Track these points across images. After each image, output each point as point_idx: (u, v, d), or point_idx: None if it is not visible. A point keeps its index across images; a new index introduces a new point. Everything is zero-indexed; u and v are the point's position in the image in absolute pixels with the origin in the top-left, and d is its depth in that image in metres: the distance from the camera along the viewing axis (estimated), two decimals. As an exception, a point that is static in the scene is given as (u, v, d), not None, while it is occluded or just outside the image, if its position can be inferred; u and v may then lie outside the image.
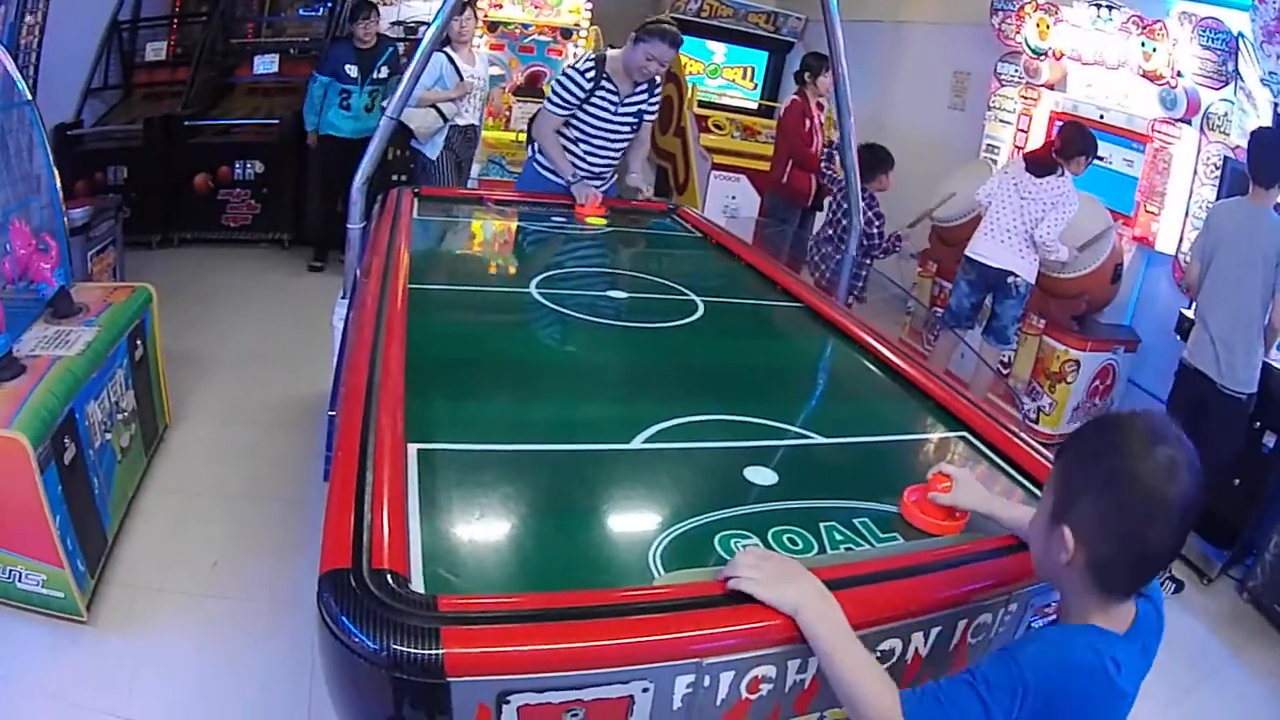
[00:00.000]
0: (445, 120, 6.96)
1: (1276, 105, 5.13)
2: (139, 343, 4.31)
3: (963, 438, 2.90)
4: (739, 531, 2.13)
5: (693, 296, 3.84)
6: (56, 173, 4.34)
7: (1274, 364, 4.84)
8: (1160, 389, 5.48)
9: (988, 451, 2.79)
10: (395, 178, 6.82)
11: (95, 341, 3.77)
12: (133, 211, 6.68)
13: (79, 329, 3.83)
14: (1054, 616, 1.86)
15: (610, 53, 5.26)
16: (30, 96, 4.26)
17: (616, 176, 5.54)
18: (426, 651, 1.55)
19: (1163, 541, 1.56)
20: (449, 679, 1.56)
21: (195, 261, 7.33)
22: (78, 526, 3.46)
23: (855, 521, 2.27)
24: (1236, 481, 5.08)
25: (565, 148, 5.25)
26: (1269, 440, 5.03)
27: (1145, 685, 4.18)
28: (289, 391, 5.34)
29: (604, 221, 4.94)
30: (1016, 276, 5.91)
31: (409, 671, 1.56)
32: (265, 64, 8.30)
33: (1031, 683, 1.50)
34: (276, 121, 7.73)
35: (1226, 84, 5.59)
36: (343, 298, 4.10)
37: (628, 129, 5.32)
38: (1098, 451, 1.57)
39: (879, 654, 1.84)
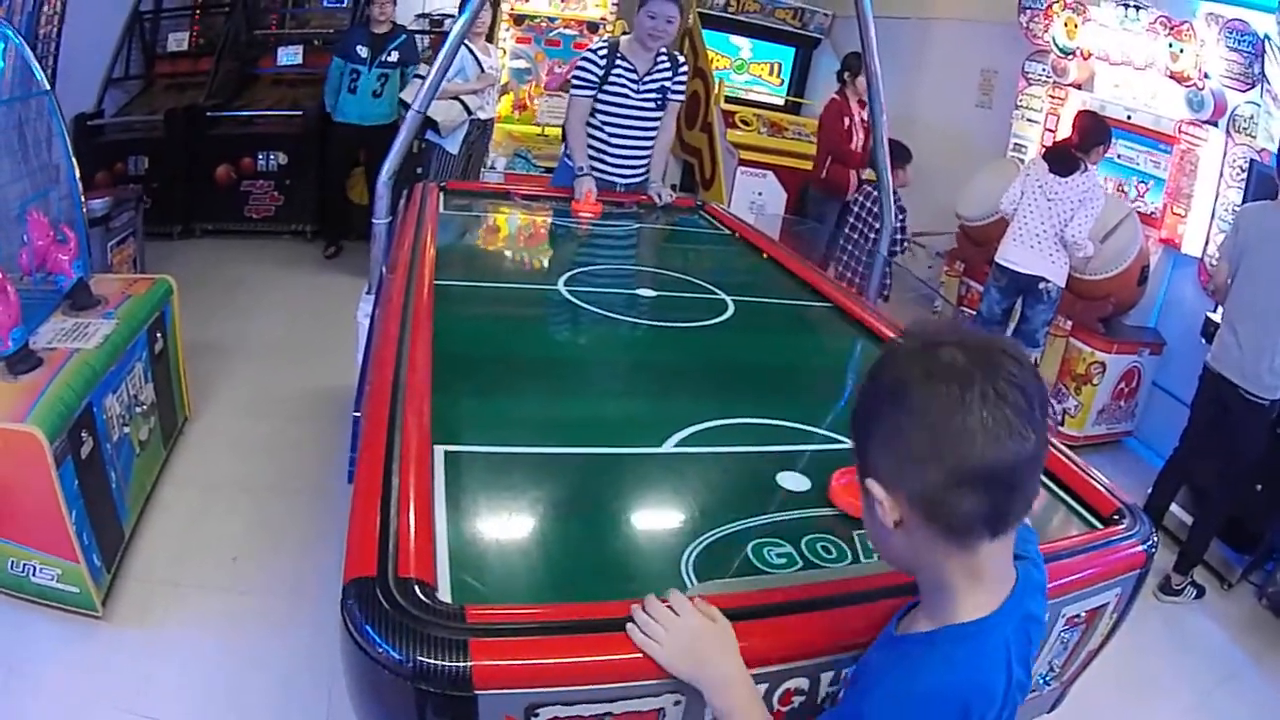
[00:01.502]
0: (469, 113, 6.94)
1: (1302, 108, 5.08)
2: (159, 335, 4.28)
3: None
4: (772, 540, 2.09)
5: (723, 295, 3.80)
6: (75, 163, 4.31)
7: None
8: (1185, 392, 5.43)
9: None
10: (417, 170, 6.78)
11: (114, 334, 3.73)
12: (154, 202, 6.69)
13: (98, 321, 3.80)
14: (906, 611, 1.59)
15: (624, 37, 5.27)
16: (49, 86, 4.24)
17: (648, 173, 5.47)
18: (454, 664, 1.52)
19: (989, 438, 1.25)
20: (477, 692, 1.53)
21: (217, 253, 7.32)
22: (94, 521, 3.43)
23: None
24: (1259, 487, 5.04)
25: (594, 138, 5.22)
26: (1291, 446, 4.98)
27: (1167, 687, 4.15)
28: (309, 384, 5.32)
29: (599, 219, 4.90)
30: (1048, 282, 5.88)
31: (435, 684, 1.52)
32: (289, 55, 8.29)
33: None
34: (300, 113, 7.70)
35: (1253, 86, 5.54)
36: (368, 293, 4.07)
37: (652, 108, 5.27)
38: (874, 382, 1.38)
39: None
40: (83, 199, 4.47)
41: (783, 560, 2.03)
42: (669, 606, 1.61)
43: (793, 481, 2.39)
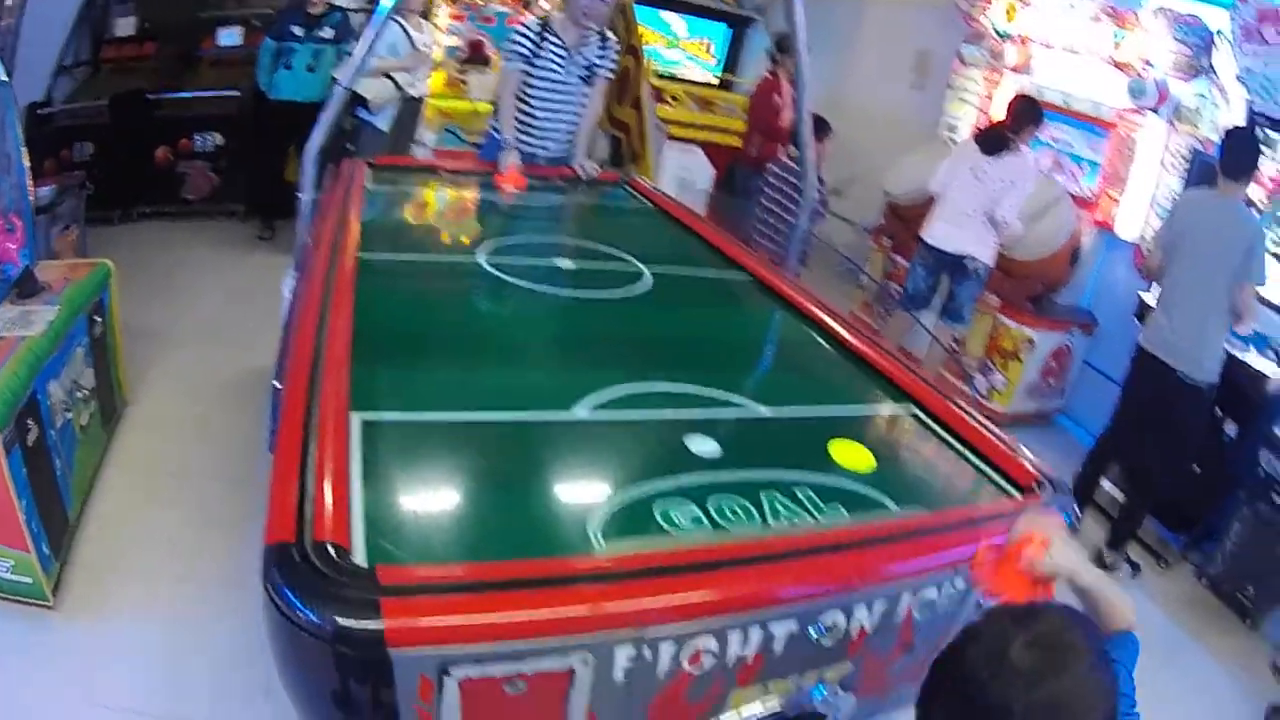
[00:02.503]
0: (400, 90, 6.95)
1: (1250, 102, 5.16)
2: (98, 319, 4.25)
3: (911, 413, 2.93)
4: (681, 501, 2.14)
5: (641, 267, 3.85)
6: (25, 152, 4.29)
7: (1235, 354, 4.88)
8: (1116, 371, 5.50)
9: (935, 427, 2.82)
10: (347, 147, 6.77)
11: (56, 320, 3.70)
12: (97, 187, 6.61)
13: (41, 308, 3.77)
14: None
15: (557, 14, 5.29)
16: (6, 78, 4.21)
17: (573, 146, 5.51)
18: (367, 624, 1.56)
19: None
20: (390, 651, 1.57)
21: (155, 236, 7.23)
22: (42, 510, 3.40)
23: (797, 492, 2.28)
24: (1196, 469, 5.13)
25: (522, 111, 5.22)
26: (1230, 429, 5.08)
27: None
28: (245, 365, 5.29)
29: (524, 192, 4.90)
30: (976, 260, 5.90)
31: (351, 645, 1.57)
32: (229, 36, 8.19)
33: None
34: (236, 93, 7.66)
35: (1198, 76, 5.60)
36: (293, 268, 4.08)
37: (580, 84, 5.30)
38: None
39: (823, 626, 1.87)
40: (30, 187, 4.44)
41: (689, 522, 2.07)
42: None
43: (701, 446, 2.44)
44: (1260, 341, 5.02)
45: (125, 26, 7.92)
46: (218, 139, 7.68)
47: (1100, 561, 5.00)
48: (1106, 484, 5.42)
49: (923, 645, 2.22)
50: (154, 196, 7.62)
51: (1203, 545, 5.19)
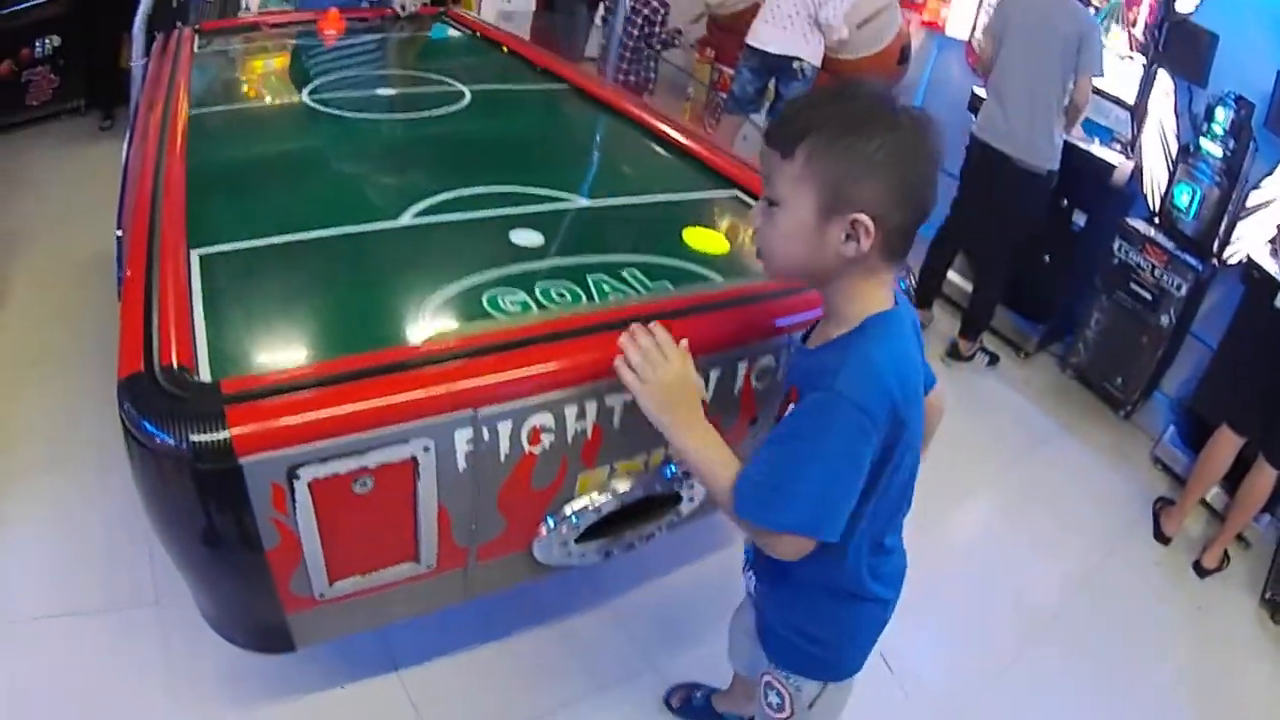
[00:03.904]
0: None
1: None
2: (-43, 236, 4.20)
3: (735, 197, 3.02)
4: (507, 289, 2.21)
5: (461, 87, 3.86)
6: None
7: (1075, 143, 4.99)
8: (952, 166, 5.59)
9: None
10: (177, 24, 6.65)
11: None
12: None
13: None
14: (808, 333, 1.81)
15: None
16: None
17: None
18: (215, 436, 1.62)
19: (934, 189, 1.58)
20: (239, 459, 1.64)
21: (3, 147, 7.11)
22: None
23: (623, 273, 2.36)
24: (1046, 258, 5.32)
25: None
26: (1079, 219, 5.24)
27: (978, 451, 4.30)
28: (96, 248, 5.16)
29: (344, 35, 4.91)
30: (802, 61, 5.91)
31: (203, 458, 1.63)
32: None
33: (859, 400, 1.50)
34: (69, -8, 7.50)
35: None
36: (129, 134, 4.05)
37: None
38: (847, 133, 1.51)
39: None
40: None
41: (517, 307, 2.14)
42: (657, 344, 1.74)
43: (524, 238, 2.51)
44: (1105, 133, 5.15)
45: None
46: (55, 41, 7.49)
47: (956, 352, 5.19)
48: (954, 276, 5.59)
49: (766, 419, 2.33)
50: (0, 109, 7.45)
51: (1063, 336, 5.39)
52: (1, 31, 7.23)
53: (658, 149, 3.40)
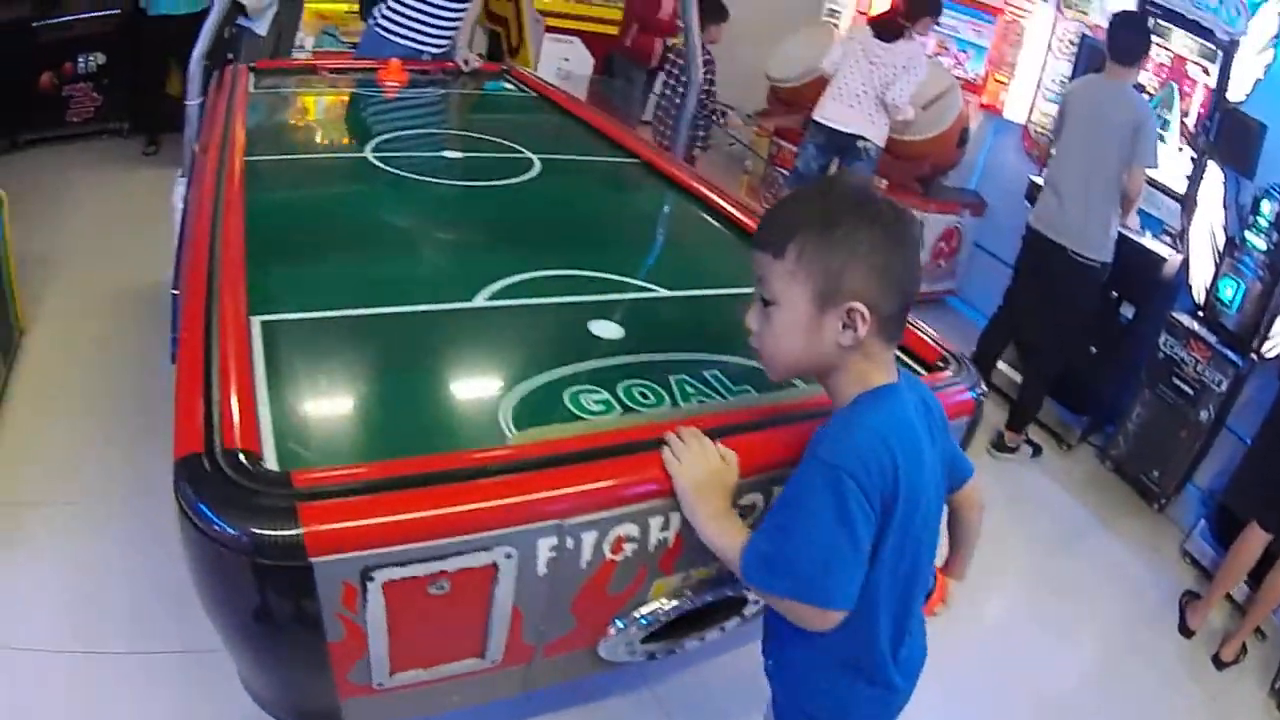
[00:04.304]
0: None
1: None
2: (-11, 250, 4.14)
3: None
4: (589, 387, 2.13)
5: (529, 154, 3.80)
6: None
7: (1128, 234, 4.97)
8: (1007, 253, 5.60)
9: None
10: (229, 56, 6.62)
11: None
12: (-20, 119, 6.50)
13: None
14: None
15: None
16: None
17: (454, 41, 5.41)
18: (285, 532, 1.51)
19: (918, 272, 1.71)
20: (311, 559, 1.53)
21: (41, 161, 7.04)
22: (-57, 450, 3.31)
23: (706, 374, 2.29)
24: (1093, 350, 5.27)
25: (411, 8, 5.11)
26: (1127, 311, 5.21)
27: (1016, 545, 4.29)
28: (137, 280, 5.17)
29: (406, 86, 4.83)
30: (866, 140, 5.94)
31: (270, 555, 1.52)
32: (104, -44, 7.98)
33: (840, 463, 1.56)
34: (116, 11, 7.46)
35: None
36: (181, 176, 3.98)
37: None
38: (834, 226, 1.59)
39: (740, 508, 1.85)
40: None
41: (600, 407, 2.07)
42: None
43: (605, 330, 2.44)
44: (1156, 225, 5.13)
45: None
46: (100, 59, 7.49)
47: (1001, 443, 5.12)
48: (1003, 366, 5.54)
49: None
50: (39, 123, 7.43)
51: (1105, 427, 5.35)
52: (44, 43, 7.23)
53: (735, 237, 3.32)
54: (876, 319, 1.59)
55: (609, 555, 1.81)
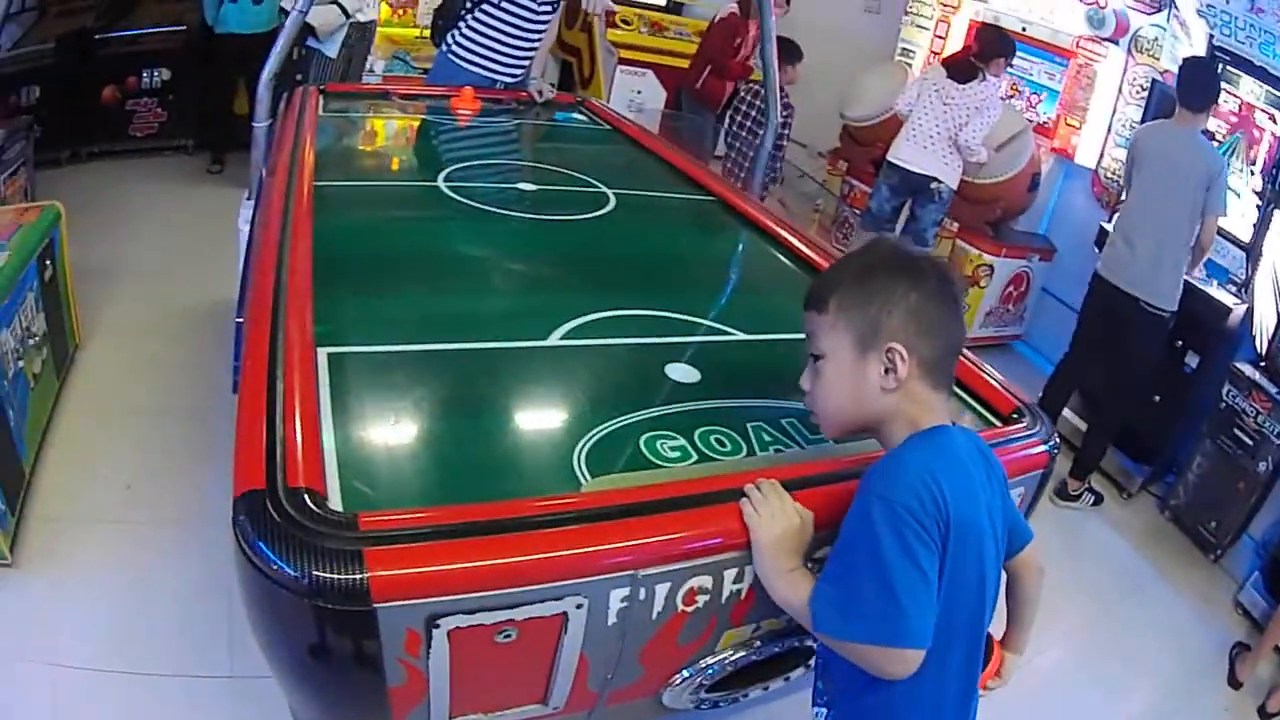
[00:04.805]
0: (347, 16, 6.83)
1: (1212, 36, 5.17)
2: (48, 263, 4.12)
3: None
4: (665, 432, 2.09)
5: (604, 189, 3.76)
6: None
7: (1194, 283, 4.90)
8: (1075, 299, 5.53)
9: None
10: (297, 77, 6.65)
11: (6, 266, 3.59)
12: (44, 130, 6.52)
13: (-8, 255, 3.67)
14: None
15: None
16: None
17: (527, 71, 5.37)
18: (350, 576, 1.46)
19: (960, 323, 1.81)
20: (375, 605, 1.48)
21: (104, 175, 7.11)
22: (-5, 464, 3.29)
23: (783, 422, 2.24)
24: (1157, 398, 5.19)
25: (487, 36, 5.07)
26: (1191, 361, 5.14)
27: (1071, 595, 4.21)
28: (197, 300, 5.19)
29: (478, 115, 4.80)
30: (940, 182, 5.92)
31: (332, 599, 1.47)
32: (174, -28, 8.06)
33: (891, 496, 1.57)
34: (183, 28, 7.53)
35: (1159, 10, 5.64)
36: (248, 198, 3.96)
37: (549, 10, 5.12)
38: (871, 277, 1.73)
39: (815, 562, 1.80)
40: (-23, 136, 4.31)
41: (676, 454, 2.03)
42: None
43: (681, 373, 2.39)
44: (1221, 274, 5.08)
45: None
46: (165, 74, 7.55)
47: (1064, 491, 5.04)
48: (1068, 412, 5.46)
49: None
50: (102, 136, 7.51)
51: (1165, 477, 5.27)
52: (108, 56, 7.29)
53: (809, 279, 3.25)
54: (917, 360, 1.69)
55: (681, 606, 1.76)
